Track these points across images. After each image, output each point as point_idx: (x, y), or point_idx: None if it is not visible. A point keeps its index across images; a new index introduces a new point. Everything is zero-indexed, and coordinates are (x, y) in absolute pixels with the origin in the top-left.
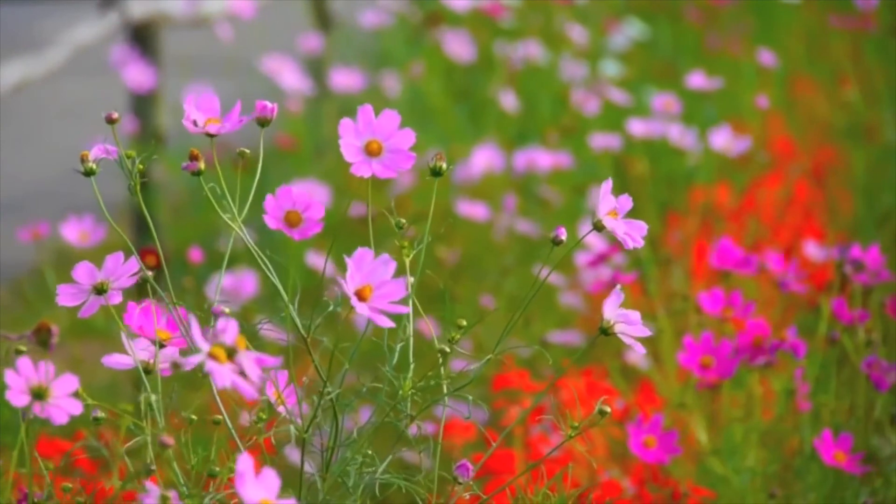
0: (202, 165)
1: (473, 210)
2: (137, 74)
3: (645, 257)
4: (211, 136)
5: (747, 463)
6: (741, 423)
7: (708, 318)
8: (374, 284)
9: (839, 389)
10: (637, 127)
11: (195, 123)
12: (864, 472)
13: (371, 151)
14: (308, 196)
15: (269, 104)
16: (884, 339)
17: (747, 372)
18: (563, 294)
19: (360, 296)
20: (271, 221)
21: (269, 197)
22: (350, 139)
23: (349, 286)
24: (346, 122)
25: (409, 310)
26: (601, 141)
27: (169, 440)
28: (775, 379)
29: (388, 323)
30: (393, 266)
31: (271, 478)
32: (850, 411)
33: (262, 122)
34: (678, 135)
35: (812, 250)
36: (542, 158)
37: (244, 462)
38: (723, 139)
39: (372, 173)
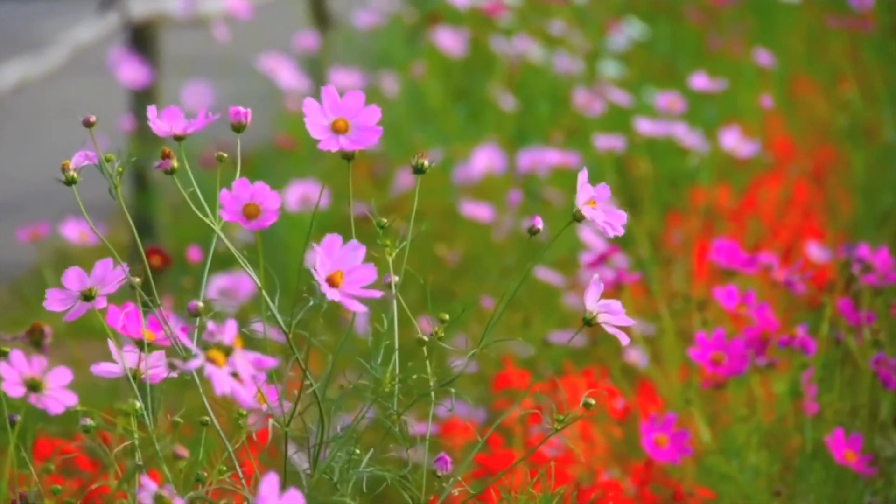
0: (175, 164)
1: (477, 211)
2: (132, 72)
3: (646, 257)
4: (179, 138)
5: (750, 462)
6: (743, 423)
7: (710, 317)
8: (344, 270)
9: (842, 390)
10: (645, 126)
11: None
12: (872, 473)
13: (338, 129)
14: (265, 188)
15: (241, 110)
16: (891, 341)
17: (750, 372)
18: (565, 294)
19: (332, 282)
20: (227, 215)
21: (224, 192)
22: (316, 118)
23: (320, 272)
24: (310, 102)
25: (380, 294)
26: (605, 142)
27: (184, 452)
28: (777, 380)
29: (360, 308)
30: (362, 251)
31: (295, 498)
32: (854, 412)
33: (237, 128)
34: (683, 134)
35: (814, 251)
36: (549, 156)
37: (268, 483)
38: (733, 139)
39: (339, 148)
